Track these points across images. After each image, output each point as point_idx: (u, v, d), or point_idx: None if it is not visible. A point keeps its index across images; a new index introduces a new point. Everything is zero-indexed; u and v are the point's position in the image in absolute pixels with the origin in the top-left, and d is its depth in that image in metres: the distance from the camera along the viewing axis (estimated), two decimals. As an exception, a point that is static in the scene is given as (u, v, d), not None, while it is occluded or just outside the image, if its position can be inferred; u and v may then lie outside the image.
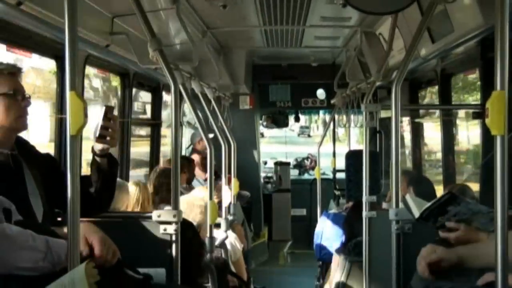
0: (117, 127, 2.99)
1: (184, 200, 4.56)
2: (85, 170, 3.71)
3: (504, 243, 1.95)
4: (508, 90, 1.97)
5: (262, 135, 13.90)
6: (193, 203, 4.53)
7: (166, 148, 7.29)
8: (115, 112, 3.17)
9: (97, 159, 2.99)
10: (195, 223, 4.13)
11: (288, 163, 11.14)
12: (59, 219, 3.01)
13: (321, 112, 10.25)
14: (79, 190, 1.96)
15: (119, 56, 4.43)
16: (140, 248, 3.14)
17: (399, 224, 3.33)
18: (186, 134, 9.15)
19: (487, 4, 3.27)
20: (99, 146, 2.96)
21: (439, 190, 5.65)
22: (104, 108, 2.92)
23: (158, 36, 3.19)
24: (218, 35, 6.52)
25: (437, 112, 6.57)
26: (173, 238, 3.13)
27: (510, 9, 1.95)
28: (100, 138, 2.92)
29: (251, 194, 9.14)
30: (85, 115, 1.98)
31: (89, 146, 3.07)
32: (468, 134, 6.81)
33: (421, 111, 7.49)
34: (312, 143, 8.14)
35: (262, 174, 11.01)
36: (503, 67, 1.94)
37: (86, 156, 3.46)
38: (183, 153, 8.73)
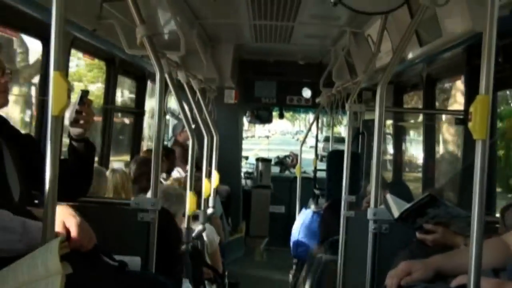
0: (92, 111, 2.97)
1: (161, 189, 4.54)
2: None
3: (479, 248, 1.96)
4: (491, 98, 1.98)
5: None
6: (169, 192, 4.51)
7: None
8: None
9: (74, 143, 2.97)
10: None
11: (270, 160, 11.15)
12: (36, 201, 2.99)
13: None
14: (57, 171, 1.94)
15: (106, 42, 4.40)
16: (116, 235, 3.11)
17: (376, 224, 3.35)
18: (169, 125, 9.11)
19: (476, 10, 3.29)
20: (75, 131, 2.94)
21: (419, 195, 5.69)
22: (80, 92, 2.90)
23: (147, 23, 3.18)
24: (207, 27, 6.51)
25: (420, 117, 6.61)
26: (150, 226, 3.12)
27: (499, 15, 1.96)
28: (74, 123, 2.91)
29: (231, 188, 9.13)
30: (68, 97, 1.97)
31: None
32: (449, 140, 6.85)
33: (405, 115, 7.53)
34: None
35: (243, 170, 11.00)
36: (489, 72, 1.95)
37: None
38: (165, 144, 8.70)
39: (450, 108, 6.36)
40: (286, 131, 33.77)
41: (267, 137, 31.69)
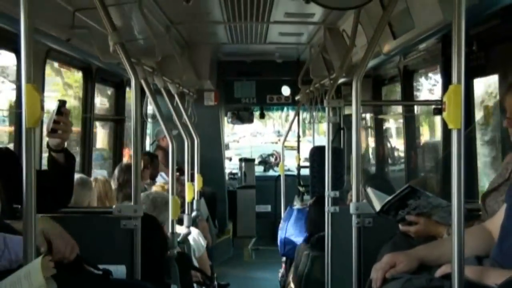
0: (70, 120, 2.96)
1: (148, 197, 4.53)
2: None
3: (460, 236, 1.97)
4: (466, 87, 1.99)
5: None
6: (157, 199, 4.50)
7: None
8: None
9: (53, 154, 2.96)
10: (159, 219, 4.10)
11: (253, 160, 11.15)
12: (18, 214, 2.96)
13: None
14: (34, 183, 1.93)
15: (81, 51, 4.38)
16: (100, 244, 3.10)
17: (360, 218, 3.36)
18: (152, 130, 9.09)
19: (446, 1, 3.30)
20: (53, 141, 2.93)
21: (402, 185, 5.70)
22: (57, 102, 2.89)
23: (120, 31, 3.16)
24: (182, 31, 6.49)
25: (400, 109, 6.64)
26: (134, 233, 3.10)
27: (467, 5, 1.98)
28: (52, 133, 2.90)
29: (216, 190, 9.12)
30: (42, 108, 1.96)
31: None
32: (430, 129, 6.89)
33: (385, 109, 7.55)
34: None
35: (227, 171, 11.00)
36: (460, 62, 1.97)
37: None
38: (147, 149, 8.67)
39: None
40: (256, 131, 26.56)
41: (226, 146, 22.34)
